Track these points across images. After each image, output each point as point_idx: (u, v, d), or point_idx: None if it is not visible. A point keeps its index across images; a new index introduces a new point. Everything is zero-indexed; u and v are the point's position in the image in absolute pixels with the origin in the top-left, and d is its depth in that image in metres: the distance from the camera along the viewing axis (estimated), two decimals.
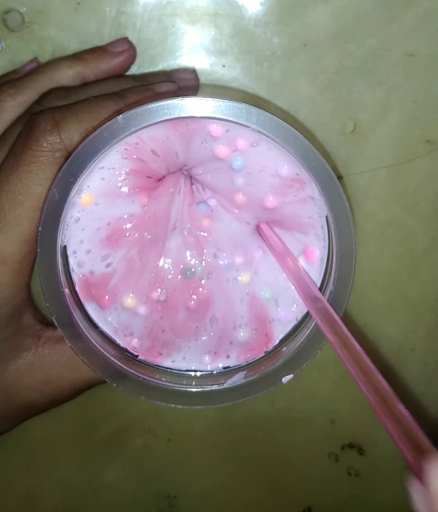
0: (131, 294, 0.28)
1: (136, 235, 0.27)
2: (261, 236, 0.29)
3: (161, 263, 0.28)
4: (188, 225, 0.28)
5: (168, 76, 0.32)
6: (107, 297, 0.27)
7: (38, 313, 0.30)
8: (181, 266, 0.28)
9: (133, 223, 0.27)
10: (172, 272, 0.28)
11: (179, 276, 0.28)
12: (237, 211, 0.28)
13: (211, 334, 0.28)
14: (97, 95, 0.28)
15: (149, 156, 0.26)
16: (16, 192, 0.26)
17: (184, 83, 0.32)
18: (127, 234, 0.27)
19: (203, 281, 0.28)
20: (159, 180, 0.28)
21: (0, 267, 0.27)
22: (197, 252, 0.28)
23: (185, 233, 0.28)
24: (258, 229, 0.29)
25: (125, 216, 0.27)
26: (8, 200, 0.26)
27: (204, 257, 0.28)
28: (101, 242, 0.27)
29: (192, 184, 0.29)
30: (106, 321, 0.28)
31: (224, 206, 0.28)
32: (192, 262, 0.28)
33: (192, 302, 0.28)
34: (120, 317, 0.28)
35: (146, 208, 0.27)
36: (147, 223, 0.27)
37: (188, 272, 0.28)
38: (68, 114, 0.26)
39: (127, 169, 0.26)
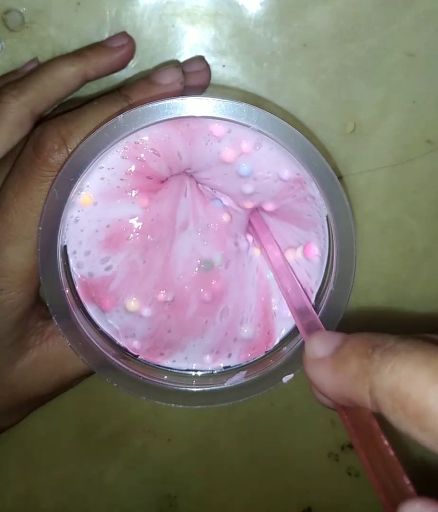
0: (134, 298, 0.28)
1: (138, 238, 0.27)
2: (255, 239, 0.29)
3: (169, 262, 0.28)
4: (207, 222, 0.28)
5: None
6: (107, 301, 0.27)
7: (43, 311, 0.30)
8: (198, 261, 0.28)
9: (134, 226, 0.27)
10: (183, 269, 0.28)
11: (196, 270, 0.28)
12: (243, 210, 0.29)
13: (218, 329, 0.28)
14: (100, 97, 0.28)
15: (149, 155, 0.26)
16: (26, 210, 0.26)
17: (195, 76, 0.31)
18: (130, 237, 0.27)
19: (221, 272, 0.28)
20: (162, 182, 0.28)
21: (10, 276, 0.27)
22: (217, 245, 0.28)
23: (200, 230, 0.28)
24: (250, 223, 0.29)
25: (125, 219, 0.27)
26: (18, 216, 0.26)
27: (224, 249, 0.28)
28: (100, 244, 0.27)
29: (197, 184, 0.29)
30: (107, 323, 0.28)
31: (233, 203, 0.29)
32: (211, 254, 0.28)
33: (206, 294, 0.28)
34: (122, 320, 0.28)
35: (147, 210, 0.27)
36: (149, 226, 0.27)
37: (204, 265, 0.28)
38: (74, 129, 0.26)
39: (127, 169, 0.26)
